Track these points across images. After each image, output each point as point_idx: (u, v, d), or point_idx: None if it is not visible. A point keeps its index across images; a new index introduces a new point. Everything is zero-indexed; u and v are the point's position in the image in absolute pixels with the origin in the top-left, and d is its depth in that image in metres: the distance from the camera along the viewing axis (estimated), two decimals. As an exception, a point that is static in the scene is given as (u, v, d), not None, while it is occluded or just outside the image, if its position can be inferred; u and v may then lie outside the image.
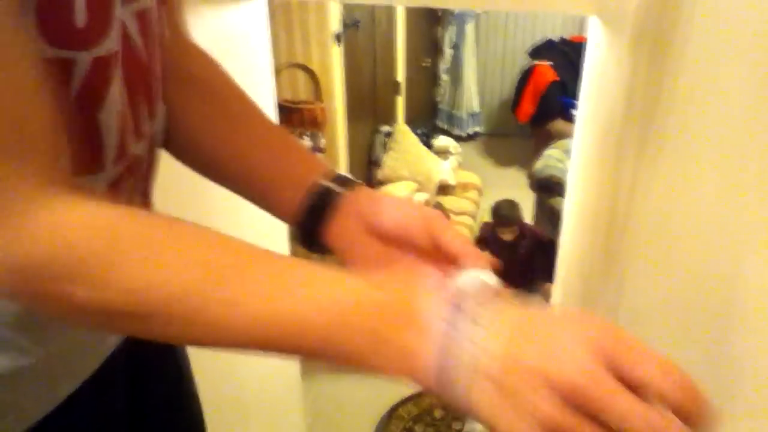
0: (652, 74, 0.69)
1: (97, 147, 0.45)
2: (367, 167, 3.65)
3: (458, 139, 4.70)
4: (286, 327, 0.39)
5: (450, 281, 0.42)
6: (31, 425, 0.50)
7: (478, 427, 1.52)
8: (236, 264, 0.39)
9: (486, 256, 0.49)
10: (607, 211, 0.90)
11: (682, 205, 0.56)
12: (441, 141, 4.09)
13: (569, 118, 3.89)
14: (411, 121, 4.02)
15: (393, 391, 2.38)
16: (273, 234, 1.64)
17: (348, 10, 2.81)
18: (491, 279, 0.46)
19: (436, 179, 3.57)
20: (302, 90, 2.62)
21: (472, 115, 5.05)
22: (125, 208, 0.40)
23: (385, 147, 3.68)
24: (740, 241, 0.44)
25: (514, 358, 0.37)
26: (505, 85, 5.02)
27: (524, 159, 4.35)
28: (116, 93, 0.44)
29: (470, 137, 5.09)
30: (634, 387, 0.35)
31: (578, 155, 1.30)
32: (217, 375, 1.30)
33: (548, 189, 3.10)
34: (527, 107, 4.29)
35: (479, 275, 0.45)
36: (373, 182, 3.54)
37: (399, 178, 3.49)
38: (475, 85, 4.97)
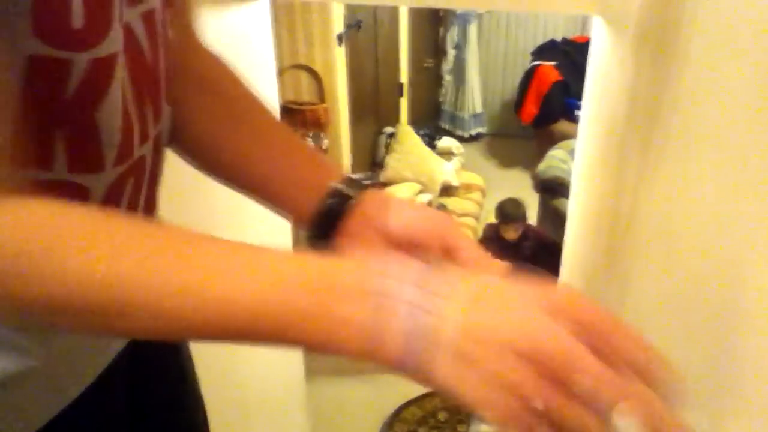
0: (655, 74, 0.69)
1: (95, 147, 0.44)
2: (370, 168, 3.65)
3: (461, 140, 4.70)
4: (231, 312, 0.37)
5: (407, 258, 0.40)
6: (37, 429, 0.50)
7: (483, 428, 1.51)
8: (173, 251, 0.38)
9: (499, 264, 0.49)
10: (610, 212, 0.90)
11: (685, 205, 0.56)
12: (444, 142, 4.09)
13: (573, 119, 3.88)
14: (414, 122, 4.02)
15: (397, 393, 2.38)
16: (276, 234, 1.64)
17: (350, 10, 2.81)
18: None
19: (440, 180, 3.57)
20: (305, 91, 2.62)
21: (475, 116, 5.04)
22: (60, 204, 0.38)
23: (388, 148, 3.68)
24: (743, 242, 0.43)
25: (477, 328, 0.36)
26: (508, 85, 5.02)
27: (528, 160, 4.34)
28: (117, 94, 0.44)
29: (473, 138, 5.09)
30: (597, 352, 0.35)
31: (582, 156, 1.30)
32: (221, 376, 1.30)
33: (552, 190, 3.10)
34: (530, 108, 4.29)
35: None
36: (376, 183, 3.55)
37: (402, 180, 3.49)
38: (478, 86, 4.97)
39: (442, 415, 2.34)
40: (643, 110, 0.73)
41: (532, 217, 3.20)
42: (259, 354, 1.49)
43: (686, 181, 0.57)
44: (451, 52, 4.89)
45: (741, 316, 0.43)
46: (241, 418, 1.48)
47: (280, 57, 2.33)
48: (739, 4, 0.47)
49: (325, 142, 2.63)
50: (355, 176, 0.58)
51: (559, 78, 4.13)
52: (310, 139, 2.58)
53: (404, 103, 3.99)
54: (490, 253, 0.50)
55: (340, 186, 0.56)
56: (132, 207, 0.51)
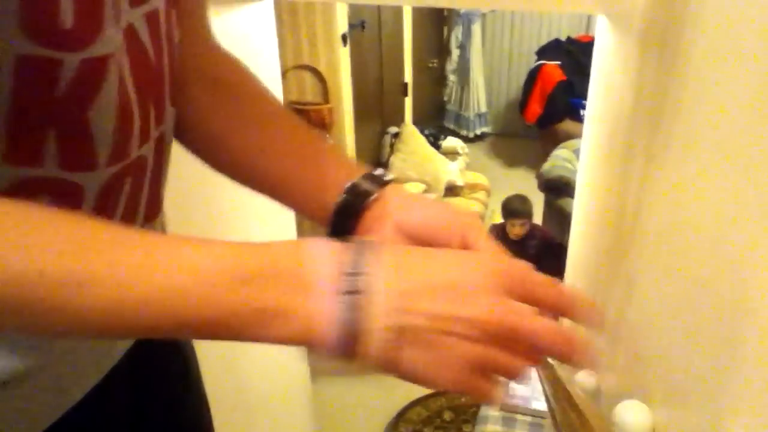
0: (659, 74, 0.69)
1: (87, 145, 0.44)
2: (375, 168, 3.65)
3: (466, 139, 4.70)
4: (152, 308, 0.36)
5: (340, 242, 0.40)
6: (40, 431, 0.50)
7: (489, 428, 1.51)
8: (92, 243, 0.36)
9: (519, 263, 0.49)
10: (615, 212, 0.90)
11: (690, 205, 0.56)
12: (449, 142, 4.09)
13: (577, 118, 3.88)
14: (418, 122, 4.02)
15: (402, 393, 2.38)
16: (281, 233, 1.64)
17: (354, 10, 2.81)
18: None
19: (444, 180, 3.57)
20: (309, 91, 2.62)
21: (480, 116, 5.04)
22: None
23: (392, 148, 3.68)
24: (750, 243, 0.43)
25: (419, 305, 0.38)
26: (512, 85, 5.02)
27: (532, 159, 4.34)
28: (111, 94, 0.44)
29: (478, 138, 5.08)
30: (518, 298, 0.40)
31: (587, 156, 1.29)
32: (224, 376, 1.30)
33: (557, 190, 3.09)
34: (535, 107, 4.28)
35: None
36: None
37: (407, 179, 3.48)
38: (483, 86, 4.97)
39: (447, 415, 2.34)
40: (648, 110, 0.73)
41: (537, 217, 3.20)
42: (263, 354, 1.49)
43: (691, 181, 0.56)
44: (456, 52, 4.89)
45: (749, 319, 0.43)
46: (245, 419, 1.48)
47: (283, 57, 2.33)
48: (744, 4, 0.47)
49: (330, 143, 2.63)
50: (376, 172, 0.58)
51: (564, 77, 4.12)
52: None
53: (408, 103, 3.99)
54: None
55: (359, 181, 0.56)
56: (132, 207, 0.51)
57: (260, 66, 1.40)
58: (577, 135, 2.94)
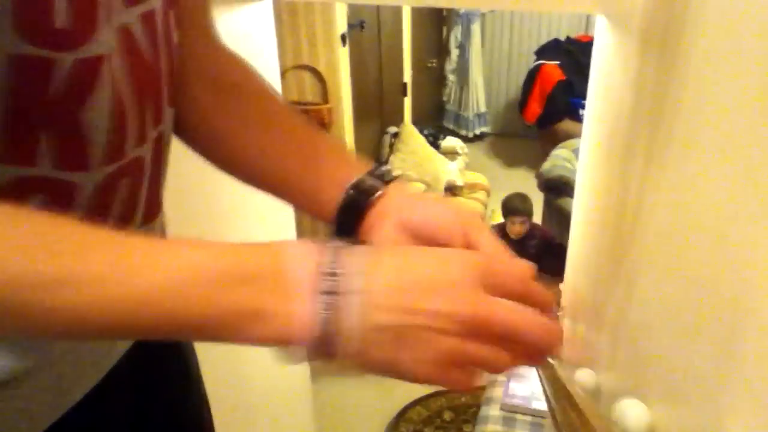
0: (659, 73, 0.69)
1: (81, 145, 0.44)
2: (378, 165, 3.65)
3: (465, 139, 4.70)
4: (132, 307, 0.35)
5: (318, 241, 0.41)
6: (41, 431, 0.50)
7: (489, 428, 1.51)
8: (69, 244, 0.36)
9: (522, 262, 0.49)
10: (615, 211, 0.90)
11: (690, 205, 0.56)
12: (448, 141, 4.09)
13: (576, 118, 3.88)
14: (418, 122, 4.02)
15: (402, 393, 2.38)
16: (281, 233, 1.64)
17: (353, 10, 2.81)
18: None
19: (444, 180, 3.57)
20: (308, 91, 2.62)
21: (479, 116, 5.04)
22: None
23: (392, 148, 3.68)
24: (751, 243, 0.43)
25: (396, 302, 0.38)
26: (511, 85, 5.02)
27: (532, 159, 4.34)
28: (105, 95, 0.44)
29: (477, 138, 5.09)
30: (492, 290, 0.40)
31: (586, 155, 1.29)
32: (225, 377, 1.30)
33: (556, 189, 3.09)
34: (534, 107, 4.28)
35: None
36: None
37: (406, 179, 3.49)
38: (482, 86, 4.97)
39: (447, 415, 2.34)
40: (648, 109, 0.73)
41: (537, 217, 3.20)
42: (264, 354, 1.49)
43: (691, 181, 0.56)
44: (455, 52, 4.89)
45: (750, 319, 0.43)
46: (245, 419, 1.48)
47: (283, 57, 2.33)
48: (744, 4, 0.47)
49: (329, 143, 2.63)
50: (380, 169, 0.58)
51: (563, 77, 4.12)
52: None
53: (408, 103, 3.99)
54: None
55: (363, 178, 0.56)
56: (129, 207, 0.51)
57: (259, 66, 1.39)
58: (577, 135, 2.94)
